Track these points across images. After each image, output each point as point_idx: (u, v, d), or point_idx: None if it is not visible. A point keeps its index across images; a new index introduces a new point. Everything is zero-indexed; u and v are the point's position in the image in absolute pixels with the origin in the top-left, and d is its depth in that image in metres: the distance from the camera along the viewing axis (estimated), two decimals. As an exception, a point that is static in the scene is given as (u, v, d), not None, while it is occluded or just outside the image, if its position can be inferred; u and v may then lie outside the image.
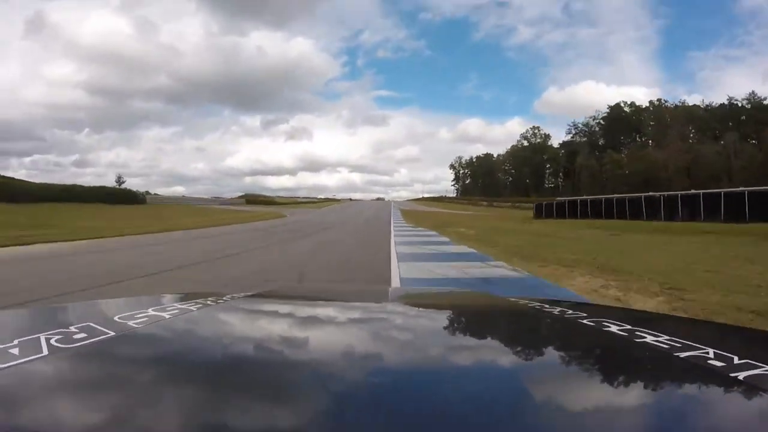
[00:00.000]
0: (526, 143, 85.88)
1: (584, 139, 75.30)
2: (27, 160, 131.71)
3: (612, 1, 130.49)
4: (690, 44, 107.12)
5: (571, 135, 78.63)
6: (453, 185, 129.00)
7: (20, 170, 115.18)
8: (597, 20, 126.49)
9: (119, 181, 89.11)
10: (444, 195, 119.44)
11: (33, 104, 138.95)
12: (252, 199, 69.27)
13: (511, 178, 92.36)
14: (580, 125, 77.53)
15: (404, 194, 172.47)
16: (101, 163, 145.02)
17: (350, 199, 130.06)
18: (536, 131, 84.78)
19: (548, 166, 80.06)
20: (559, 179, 75.74)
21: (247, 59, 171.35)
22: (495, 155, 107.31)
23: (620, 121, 70.50)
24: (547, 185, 78.74)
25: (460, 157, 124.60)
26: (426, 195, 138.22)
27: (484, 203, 68.76)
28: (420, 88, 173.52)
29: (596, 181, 63.17)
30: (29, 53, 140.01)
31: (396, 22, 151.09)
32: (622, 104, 72.21)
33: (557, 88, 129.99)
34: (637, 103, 71.42)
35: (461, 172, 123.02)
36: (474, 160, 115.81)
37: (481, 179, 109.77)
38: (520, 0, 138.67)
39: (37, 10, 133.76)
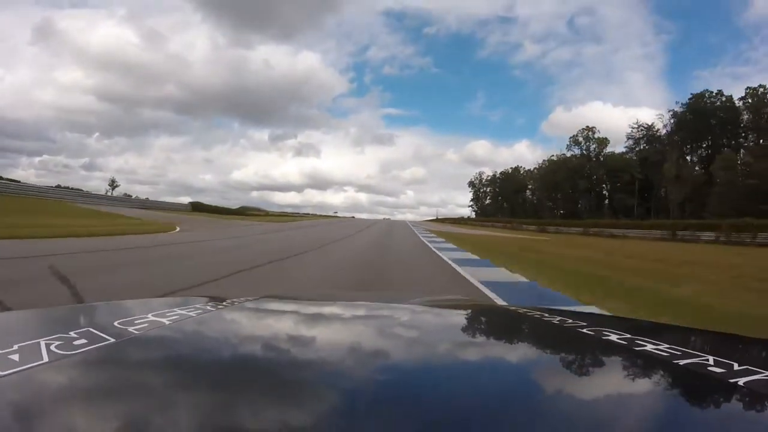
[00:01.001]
0: (576, 151, 65.66)
1: (652, 145, 56.00)
2: (36, 159, 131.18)
3: (616, 16, 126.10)
4: (696, 62, 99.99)
5: (633, 140, 59.59)
6: (471, 206, 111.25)
7: (29, 169, 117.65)
8: (602, 37, 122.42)
9: (113, 185, 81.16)
10: (467, 217, 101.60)
11: (44, 106, 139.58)
12: (200, 207, 48.11)
13: (535, 197, 73.38)
14: (643, 126, 58.38)
15: (410, 216, 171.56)
16: (110, 168, 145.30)
17: (353, 217, 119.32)
18: (589, 134, 64.32)
19: (612, 179, 58.91)
20: (623, 194, 54.91)
21: (255, 72, 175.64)
22: (522, 170, 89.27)
23: (704, 116, 50.48)
24: (612, 204, 57.87)
25: (480, 173, 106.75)
26: (441, 216, 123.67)
27: (532, 227, 49.30)
28: (427, 106, 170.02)
29: (694, 196, 43.78)
30: (41, 58, 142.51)
31: (403, 38, 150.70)
32: (706, 94, 52.40)
33: (564, 108, 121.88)
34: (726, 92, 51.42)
35: (482, 190, 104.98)
36: (498, 176, 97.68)
37: (505, 199, 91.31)
38: (526, 15, 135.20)
39: (48, 17, 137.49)
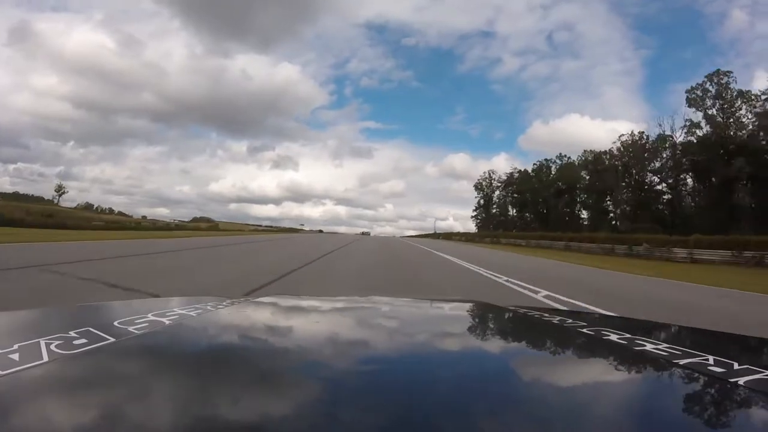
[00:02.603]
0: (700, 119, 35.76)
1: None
2: (11, 167, 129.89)
3: (595, 32, 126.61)
4: (673, 77, 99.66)
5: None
6: (475, 216, 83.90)
7: (4, 176, 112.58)
8: (581, 52, 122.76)
9: (60, 191, 77.52)
10: (459, 232, 74.12)
11: (18, 111, 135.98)
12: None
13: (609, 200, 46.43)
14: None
15: (389, 230, 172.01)
16: (86, 178, 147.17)
17: (320, 231, 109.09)
18: (726, 82, 34.98)
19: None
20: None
21: (233, 82, 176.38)
22: (563, 160, 62.55)
23: None
24: None
25: (490, 173, 79.53)
26: (441, 230, 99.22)
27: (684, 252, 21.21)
28: (407, 120, 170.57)
29: None
30: (16, 60, 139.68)
31: (383, 51, 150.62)
32: None
33: (541, 122, 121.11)
34: None
35: (495, 195, 77.72)
36: (519, 173, 70.66)
37: (530, 206, 64.49)
38: (506, 30, 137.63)
39: (23, 19, 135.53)
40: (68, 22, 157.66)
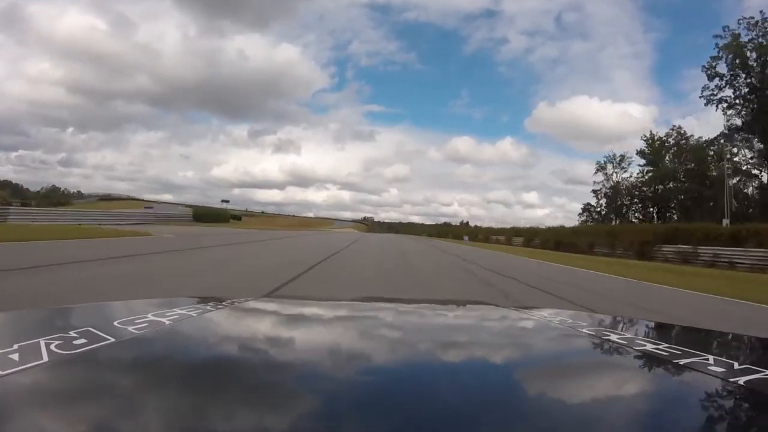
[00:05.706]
0: None
1: None
2: (13, 155, 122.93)
3: (604, 14, 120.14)
4: (684, 61, 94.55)
5: None
6: (596, 192, 48.48)
7: (6, 165, 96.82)
8: (590, 34, 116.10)
9: None
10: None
11: (14, 98, 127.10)
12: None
13: None
14: None
15: (394, 215, 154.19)
16: (88, 164, 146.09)
17: (237, 216, 74.12)
18: None
19: None
20: None
21: (230, 63, 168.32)
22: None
23: None
24: None
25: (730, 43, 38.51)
26: (445, 219, 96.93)
27: None
28: (410, 103, 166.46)
29: None
30: (7, 46, 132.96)
31: (386, 33, 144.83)
32: None
33: (547, 103, 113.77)
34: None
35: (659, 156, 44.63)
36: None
37: None
38: (512, 10, 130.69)
39: (13, 2, 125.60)
40: (56, 2, 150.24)
